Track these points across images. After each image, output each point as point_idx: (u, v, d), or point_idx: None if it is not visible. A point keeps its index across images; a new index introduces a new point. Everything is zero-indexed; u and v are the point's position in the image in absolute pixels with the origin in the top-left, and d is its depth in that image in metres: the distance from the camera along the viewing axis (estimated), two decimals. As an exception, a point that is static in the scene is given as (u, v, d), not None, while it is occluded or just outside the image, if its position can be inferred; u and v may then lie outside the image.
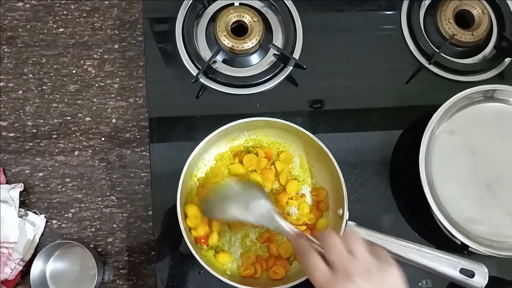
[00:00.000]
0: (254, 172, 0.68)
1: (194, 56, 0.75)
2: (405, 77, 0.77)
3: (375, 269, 0.45)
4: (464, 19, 0.79)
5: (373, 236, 0.60)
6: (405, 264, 0.56)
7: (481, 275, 0.58)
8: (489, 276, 0.59)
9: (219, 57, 0.76)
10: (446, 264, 0.58)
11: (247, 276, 0.65)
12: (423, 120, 0.68)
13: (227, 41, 0.73)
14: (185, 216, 0.65)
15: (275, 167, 0.69)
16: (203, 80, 0.74)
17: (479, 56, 0.79)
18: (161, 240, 0.68)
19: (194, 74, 0.72)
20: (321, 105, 0.75)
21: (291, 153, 0.71)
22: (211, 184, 0.66)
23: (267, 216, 0.57)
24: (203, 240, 0.65)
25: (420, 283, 0.67)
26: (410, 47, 0.78)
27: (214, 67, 0.75)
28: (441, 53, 0.76)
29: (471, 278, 0.58)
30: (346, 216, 0.63)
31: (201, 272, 0.66)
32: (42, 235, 0.76)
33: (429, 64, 0.77)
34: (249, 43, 0.74)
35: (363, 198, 0.71)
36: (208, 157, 0.70)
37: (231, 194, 0.62)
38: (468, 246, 0.64)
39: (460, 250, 0.65)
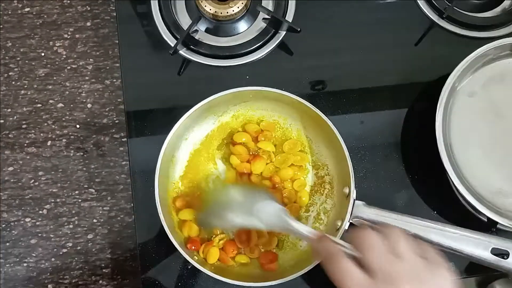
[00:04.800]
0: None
1: (173, 26, 0.68)
2: (414, 38, 0.70)
3: (425, 273, 0.38)
4: (480, -33, 0.71)
5: (385, 216, 0.53)
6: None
7: (517, 255, 0.50)
8: (526, 256, 0.51)
9: (202, 26, 0.69)
10: (475, 245, 0.50)
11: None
12: (438, 84, 0.61)
13: (209, 7, 0.67)
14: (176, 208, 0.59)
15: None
16: (184, 52, 0.67)
17: (498, 9, 0.71)
18: (144, 235, 0.61)
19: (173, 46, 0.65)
20: (322, 83, 0.67)
21: (288, 127, 0.63)
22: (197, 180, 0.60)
23: (277, 219, 0.49)
24: (193, 247, 0.57)
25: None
26: (419, 1, 0.70)
27: (196, 38, 0.68)
28: (454, 7, 0.68)
29: (505, 259, 0.50)
30: (354, 195, 0.55)
31: (190, 267, 0.59)
32: (16, 233, 0.70)
33: (442, 19, 0.69)
34: (234, 7, 0.67)
35: (372, 175, 0.63)
36: (193, 137, 0.62)
37: (229, 198, 0.54)
38: (496, 223, 0.56)
39: (488, 228, 0.58)
